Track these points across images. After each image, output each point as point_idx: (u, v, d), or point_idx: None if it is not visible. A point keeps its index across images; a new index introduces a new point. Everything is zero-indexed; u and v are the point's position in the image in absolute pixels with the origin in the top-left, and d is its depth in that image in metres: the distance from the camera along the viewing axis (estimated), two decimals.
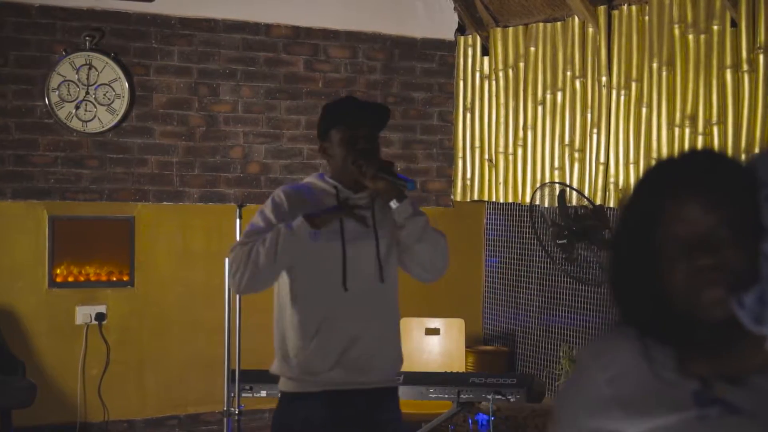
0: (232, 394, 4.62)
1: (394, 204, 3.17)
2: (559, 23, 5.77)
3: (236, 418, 4.61)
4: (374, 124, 3.25)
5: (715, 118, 4.86)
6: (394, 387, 3.33)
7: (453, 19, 6.44)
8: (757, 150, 4.66)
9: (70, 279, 5.63)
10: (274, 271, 3.08)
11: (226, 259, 4.45)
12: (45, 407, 5.27)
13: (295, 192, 3.22)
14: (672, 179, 1.53)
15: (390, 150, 6.38)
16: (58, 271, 5.61)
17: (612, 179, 5.41)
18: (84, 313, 5.64)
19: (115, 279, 5.72)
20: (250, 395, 4.80)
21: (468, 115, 6.44)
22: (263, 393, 4.83)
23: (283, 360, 3.19)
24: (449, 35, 6.48)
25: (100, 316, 5.65)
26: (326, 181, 3.25)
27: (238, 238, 4.65)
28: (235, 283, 3.10)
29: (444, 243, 3.29)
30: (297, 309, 3.15)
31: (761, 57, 4.63)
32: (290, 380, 3.18)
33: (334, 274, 3.14)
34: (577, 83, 5.65)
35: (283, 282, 3.19)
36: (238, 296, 4.99)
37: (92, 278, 5.67)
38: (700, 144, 4.92)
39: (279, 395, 3.27)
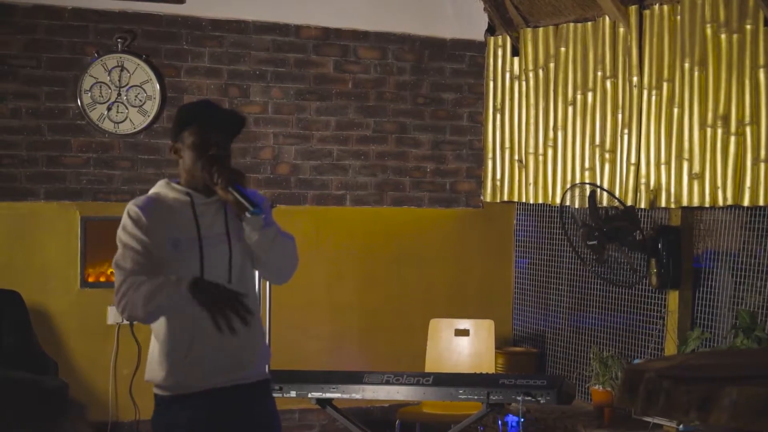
0: None
1: (244, 216, 3.15)
2: (589, 23, 5.74)
3: None
4: (227, 131, 3.23)
5: (747, 119, 4.80)
6: (266, 380, 3.34)
7: (483, 20, 6.42)
8: None
9: (102, 279, 5.66)
10: (155, 316, 3.11)
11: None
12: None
13: (147, 204, 3.18)
14: None
15: (419, 151, 6.37)
16: (90, 271, 5.64)
17: (643, 180, 5.37)
18: (115, 313, 5.60)
19: None
20: (280, 395, 4.80)
21: (498, 116, 6.42)
22: (293, 393, 4.83)
23: (157, 372, 3.18)
24: (479, 36, 6.45)
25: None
26: (176, 188, 3.22)
27: None
28: (118, 310, 3.09)
29: (293, 248, 3.26)
30: (164, 321, 3.14)
31: None
32: (170, 385, 3.18)
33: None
34: (608, 83, 5.61)
35: None
36: (267, 295, 5.00)
37: None
38: (732, 144, 4.87)
39: (154, 397, 3.26)
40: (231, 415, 3.21)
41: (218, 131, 3.19)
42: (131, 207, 3.16)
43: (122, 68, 5.66)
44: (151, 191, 3.27)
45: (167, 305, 3.03)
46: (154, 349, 3.20)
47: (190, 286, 2.96)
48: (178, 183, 3.24)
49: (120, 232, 3.14)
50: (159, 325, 3.16)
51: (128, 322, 5.66)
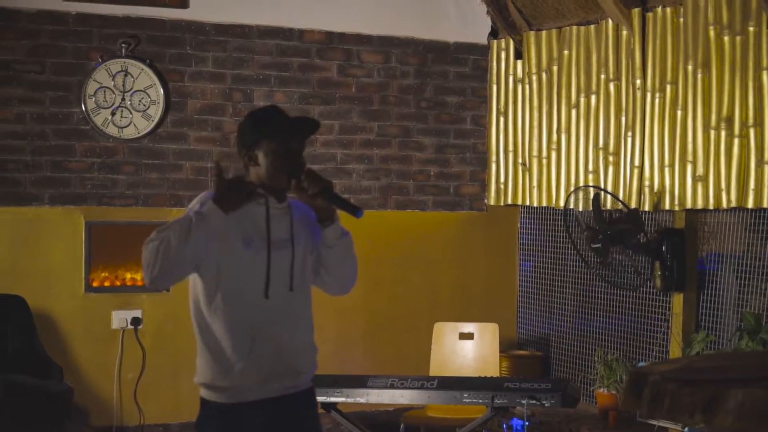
0: None
1: (326, 224, 3.19)
2: (592, 26, 5.74)
3: None
4: (303, 136, 3.25)
5: (751, 121, 4.80)
6: (312, 388, 3.34)
7: (486, 23, 6.42)
8: None
9: (107, 284, 5.67)
10: (184, 259, 3.01)
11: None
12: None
13: None
14: None
15: (423, 154, 6.37)
16: (95, 275, 5.65)
17: (647, 183, 5.37)
18: (120, 318, 5.67)
19: None
20: None
21: (501, 119, 6.42)
22: None
23: (214, 370, 3.14)
24: (482, 39, 6.46)
25: (135, 321, 5.68)
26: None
27: None
28: (147, 275, 3.03)
29: (356, 262, 3.33)
30: (226, 321, 3.12)
31: None
32: (223, 394, 3.15)
33: (258, 283, 3.13)
34: (612, 86, 5.61)
35: (209, 288, 3.14)
36: None
37: (128, 283, 5.71)
38: (736, 146, 4.87)
39: (204, 404, 3.20)
40: (286, 425, 3.19)
41: (296, 138, 3.21)
42: (204, 195, 3.16)
43: (126, 73, 5.67)
44: None
45: (196, 229, 2.98)
46: (211, 349, 3.15)
47: (213, 201, 3.01)
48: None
49: (187, 209, 3.14)
50: (219, 326, 3.13)
51: (133, 327, 5.67)
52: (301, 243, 3.22)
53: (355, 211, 3.15)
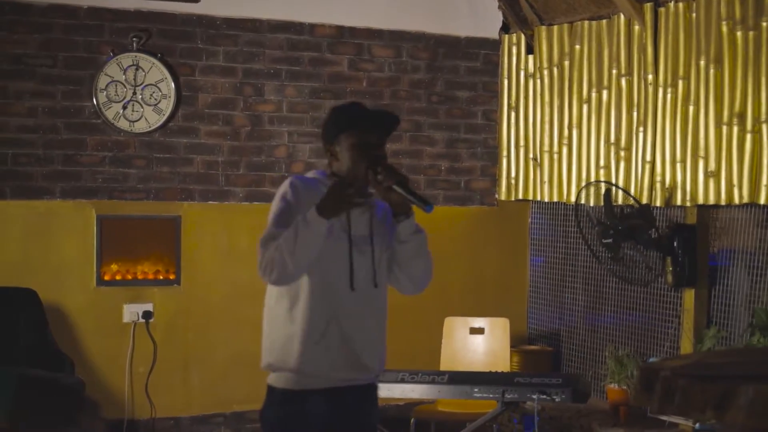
0: None
1: (401, 219, 3.21)
2: (604, 21, 5.73)
3: None
4: (384, 131, 3.28)
5: (764, 116, 4.79)
6: (375, 385, 3.39)
7: (497, 18, 6.42)
8: None
9: (118, 277, 5.69)
10: (301, 265, 3.10)
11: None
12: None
13: (308, 184, 3.23)
14: None
15: (434, 149, 6.38)
16: (106, 269, 5.67)
17: (658, 178, 5.36)
18: (131, 311, 5.69)
19: (161, 277, 5.76)
20: None
21: (512, 114, 6.42)
22: None
23: (283, 356, 3.20)
24: (493, 34, 6.45)
25: (147, 314, 5.70)
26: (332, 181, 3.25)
27: None
28: (266, 278, 3.15)
29: (431, 260, 3.34)
30: (306, 305, 3.17)
31: None
32: (291, 377, 3.20)
33: (342, 274, 3.19)
34: (623, 81, 5.60)
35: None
36: None
37: (139, 277, 5.72)
38: (748, 142, 4.86)
39: (270, 392, 3.27)
40: (346, 416, 3.24)
41: (376, 132, 3.24)
42: (294, 179, 3.22)
43: (137, 67, 5.69)
44: (310, 174, 3.32)
45: (309, 244, 3.05)
46: (284, 333, 3.20)
47: (317, 211, 3.03)
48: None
49: (278, 195, 3.19)
50: (299, 311, 3.17)
51: (144, 320, 5.69)
52: (379, 240, 3.26)
53: (425, 205, 3.14)
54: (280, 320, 3.22)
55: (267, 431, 3.31)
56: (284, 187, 3.22)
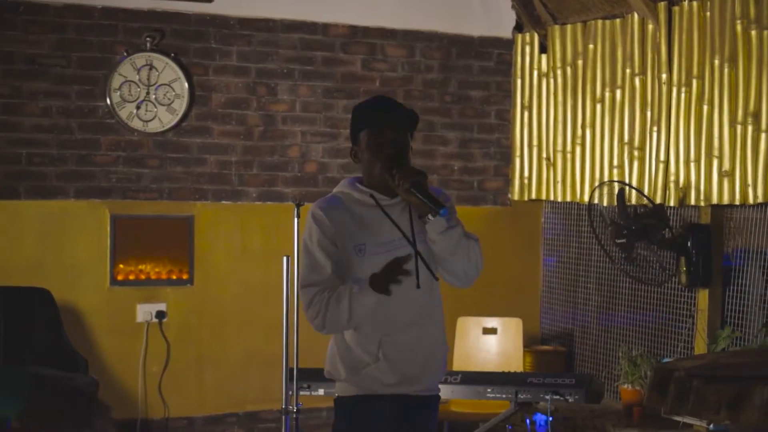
0: (291, 393, 4.65)
1: (427, 219, 3.11)
2: (618, 20, 5.72)
3: (294, 416, 4.64)
4: (402, 128, 3.17)
5: None
6: (437, 395, 3.36)
7: (510, 17, 6.41)
8: None
9: (131, 277, 5.71)
10: (347, 327, 3.13)
11: (284, 258, 4.50)
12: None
13: (331, 207, 3.17)
14: None
15: (447, 148, 6.38)
16: (120, 269, 5.69)
17: (672, 178, 5.35)
18: (145, 311, 5.71)
19: (174, 277, 5.79)
20: (308, 393, 4.84)
21: (526, 114, 6.41)
22: (321, 392, 4.86)
23: (344, 367, 3.19)
24: (507, 33, 6.45)
25: (160, 314, 5.72)
26: (360, 189, 3.19)
27: (296, 237, 4.68)
28: (317, 328, 3.14)
29: (477, 249, 3.19)
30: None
31: None
32: (356, 386, 3.19)
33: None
34: (637, 81, 5.59)
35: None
36: (296, 295, 5.02)
37: (152, 276, 5.74)
38: (763, 142, 4.85)
39: (338, 401, 3.26)
40: (408, 425, 3.21)
41: (392, 129, 3.14)
42: (316, 211, 3.14)
43: (151, 67, 5.71)
44: (336, 190, 3.25)
45: (364, 312, 3.05)
46: (343, 347, 3.19)
47: (370, 285, 3.00)
48: (361, 183, 3.21)
49: (306, 240, 3.14)
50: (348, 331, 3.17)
51: (157, 320, 5.71)
52: (424, 237, 3.15)
53: (437, 209, 3.04)
54: (339, 335, 3.21)
55: None
56: (307, 226, 3.14)
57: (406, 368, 3.17)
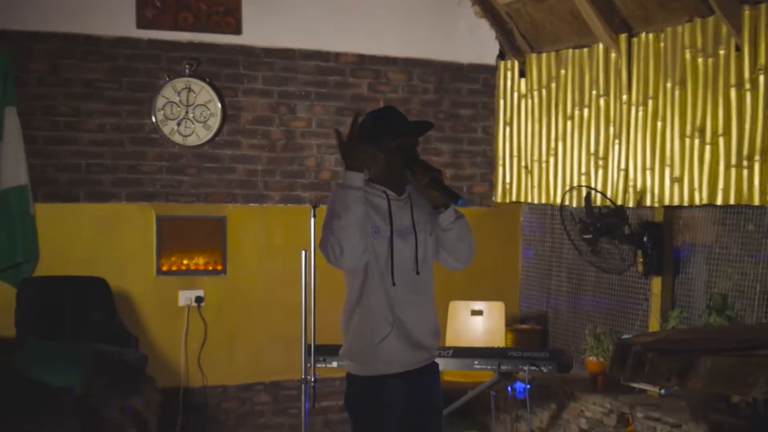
0: (309, 365, 4.68)
1: (441, 211, 3.13)
2: (585, 49, 5.74)
3: (312, 384, 4.66)
4: (418, 134, 3.20)
5: (720, 130, 4.80)
6: (436, 363, 3.32)
7: (494, 47, 6.43)
8: (757, 157, 4.60)
9: (174, 268, 5.72)
10: (351, 232, 2.95)
11: (303, 252, 4.52)
12: (154, 375, 5.37)
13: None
14: None
15: (440, 159, 6.39)
16: (164, 261, 5.71)
17: (631, 183, 5.37)
18: (185, 297, 5.73)
19: (210, 268, 5.80)
20: (324, 365, 4.87)
21: (507, 129, 6.43)
22: (334, 364, 4.89)
23: (360, 348, 3.13)
24: (491, 60, 6.47)
25: (198, 299, 5.74)
26: (373, 186, 3.18)
27: (312, 234, 4.71)
28: (331, 259, 3.00)
29: (473, 241, 3.25)
30: (369, 301, 3.11)
31: (761, 77, 4.58)
32: (369, 367, 3.13)
33: (388, 269, 3.10)
34: (602, 101, 5.61)
35: (357, 274, 3.13)
36: (312, 282, 5.04)
37: (192, 267, 5.76)
38: (707, 152, 4.87)
39: (351, 380, 3.19)
40: (420, 394, 3.17)
41: (411, 135, 3.16)
42: (336, 188, 3.08)
43: (189, 90, 5.73)
44: None
45: (348, 208, 2.94)
46: (358, 329, 3.13)
47: (346, 168, 2.97)
48: (371, 182, 3.19)
49: (329, 206, 3.03)
50: (363, 308, 3.11)
51: (196, 304, 5.73)
52: (422, 228, 3.16)
53: (456, 199, 3.06)
54: (354, 318, 3.14)
55: (352, 416, 3.19)
56: (331, 198, 3.06)
57: (417, 336, 3.13)
